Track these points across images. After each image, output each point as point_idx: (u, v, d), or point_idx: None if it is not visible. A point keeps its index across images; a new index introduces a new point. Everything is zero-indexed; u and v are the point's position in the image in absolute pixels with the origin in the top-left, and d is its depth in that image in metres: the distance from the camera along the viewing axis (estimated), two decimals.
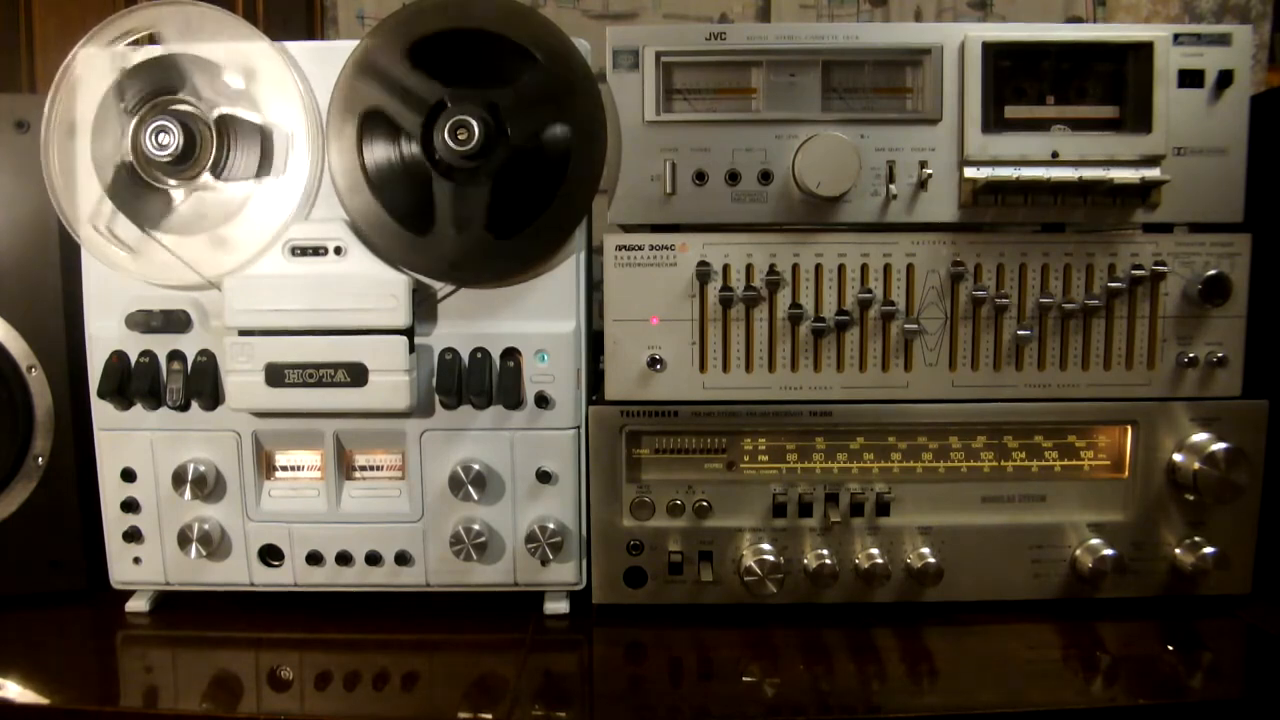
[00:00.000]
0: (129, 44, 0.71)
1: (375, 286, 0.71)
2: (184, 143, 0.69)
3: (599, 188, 0.73)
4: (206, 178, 0.71)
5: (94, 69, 0.71)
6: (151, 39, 0.72)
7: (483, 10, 0.70)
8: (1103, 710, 0.62)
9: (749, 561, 0.73)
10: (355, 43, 0.70)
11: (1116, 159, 0.73)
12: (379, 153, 0.71)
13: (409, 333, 0.71)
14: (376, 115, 0.70)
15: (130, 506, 0.76)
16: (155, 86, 0.71)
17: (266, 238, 0.71)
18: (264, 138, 0.71)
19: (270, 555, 0.76)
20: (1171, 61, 0.73)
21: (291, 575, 0.76)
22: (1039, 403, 0.76)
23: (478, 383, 0.73)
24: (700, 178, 0.74)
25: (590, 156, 0.71)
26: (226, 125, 0.71)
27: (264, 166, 0.72)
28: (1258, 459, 0.75)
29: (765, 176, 0.74)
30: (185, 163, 0.70)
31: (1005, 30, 0.73)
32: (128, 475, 0.75)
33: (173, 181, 0.71)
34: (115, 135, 0.71)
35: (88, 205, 0.72)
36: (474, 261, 0.71)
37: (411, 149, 0.71)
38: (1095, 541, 0.75)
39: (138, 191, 0.72)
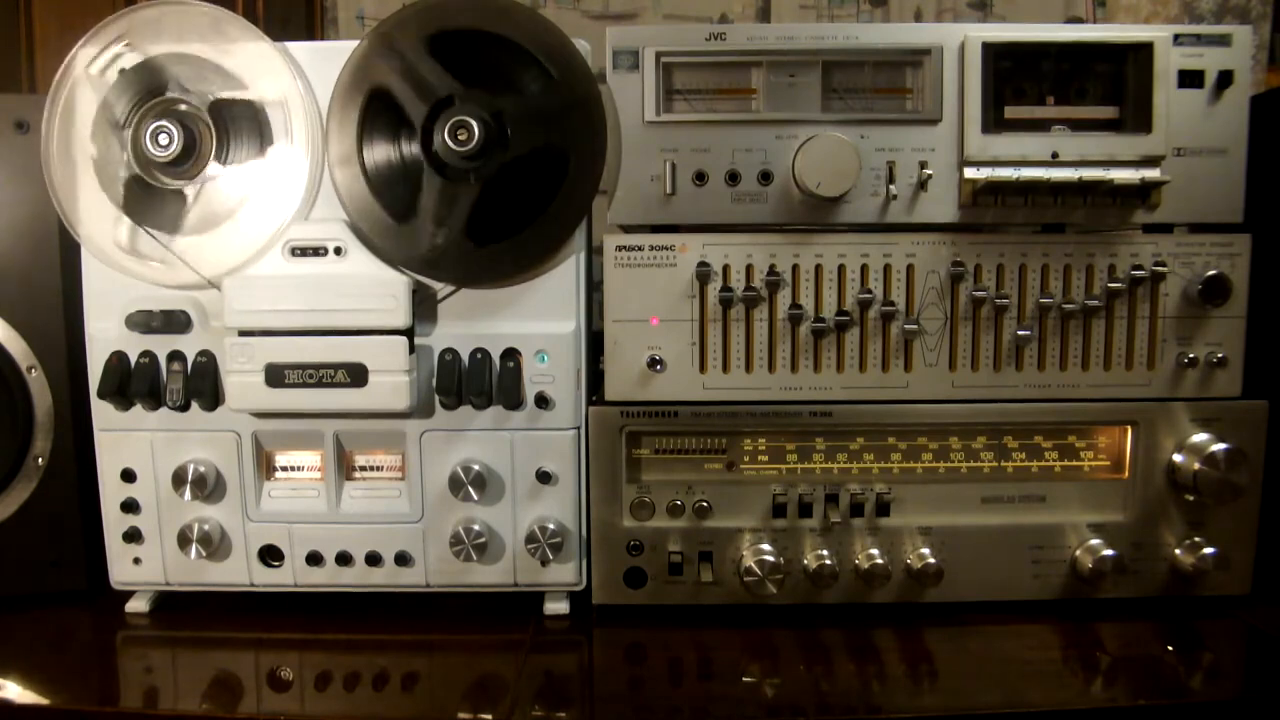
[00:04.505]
0: (124, 45, 0.71)
1: (375, 287, 0.71)
2: (183, 143, 0.69)
3: (599, 188, 0.73)
4: (213, 167, 0.71)
5: (90, 72, 0.71)
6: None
7: (508, 17, 0.70)
8: (1103, 710, 0.62)
9: (749, 562, 0.73)
10: (355, 43, 0.70)
11: (1116, 159, 0.73)
12: (376, 134, 0.71)
13: (409, 333, 0.71)
14: (383, 98, 0.70)
15: (130, 507, 0.76)
16: (145, 89, 0.71)
17: (269, 232, 0.71)
18: (259, 116, 0.71)
19: (270, 556, 0.76)
20: (1171, 62, 0.73)
21: (291, 576, 0.76)
22: (1039, 403, 0.76)
23: (478, 383, 0.73)
24: (700, 178, 0.74)
25: (590, 162, 0.71)
26: (222, 112, 0.71)
27: (266, 140, 0.71)
28: (1258, 459, 0.75)
29: (765, 177, 0.74)
30: (185, 163, 0.70)
31: (1005, 30, 0.73)
32: (128, 476, 0.75)
33: (175, 182, 0.71)
34: (114, 140, 0.71)
35: (100, 219, 0.72)
36: (449, 262, 0.71)
37: (411, 148, 0.71)
38: (1095, 542, 0.75)
39: (139, 194, 0.72)
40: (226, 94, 0.71)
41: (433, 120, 0.69)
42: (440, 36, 0.70)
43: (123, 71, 0.71)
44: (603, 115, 0.71)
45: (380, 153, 0.71)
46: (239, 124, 0.71)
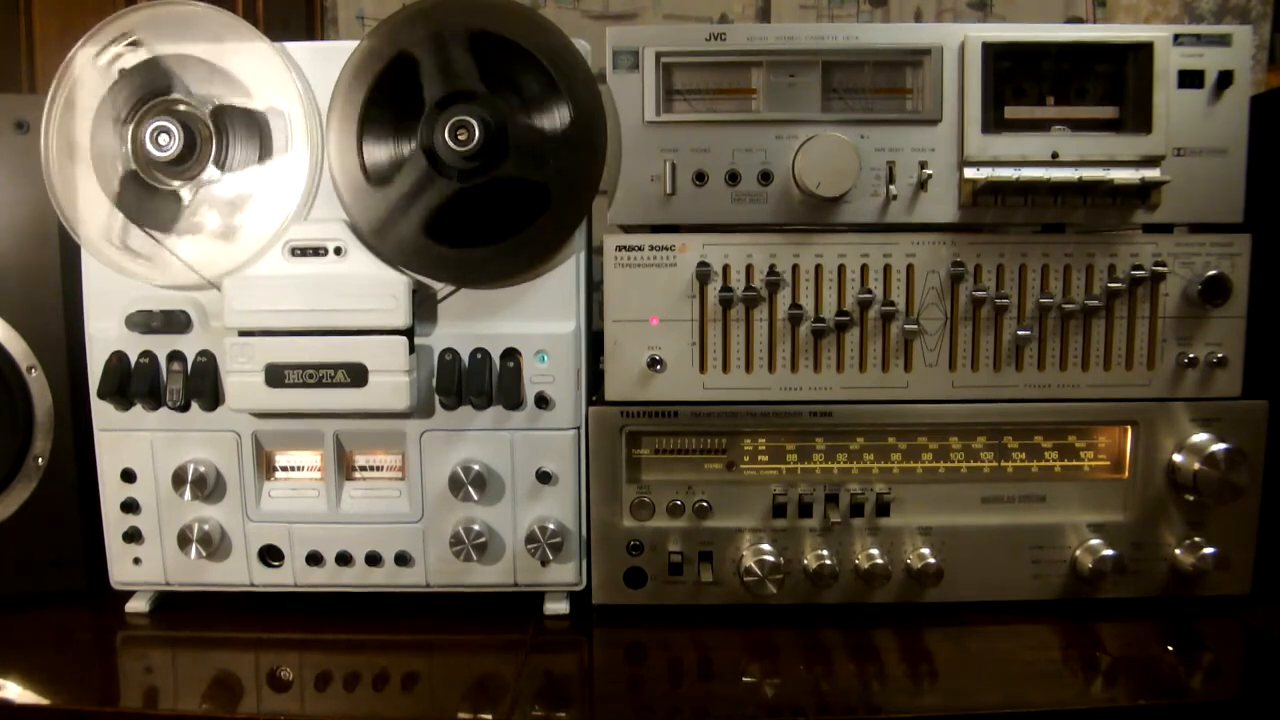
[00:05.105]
0: (127, 44, 0.71)
1: (375, 287, 0.71)
2: (184, 143, 0.69)
3: (599, 188, 0.73)
4: (211, 171, 0.71)
5: (92, 70, 0.71)
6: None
7: (541, 35, 0.70)
8: (1103, 710, 0.62)
9: (749, 562, 0.73)
10: (355, 43, 0.70)
11: (1116, 159, 0.73)
12: (381, 112, 0.71)
13: (409, 333, 0.71)
14: (407, 61, 0.69)
15: (130, 507, 0.76)
16: (148, 89, 0.71)
17: (272, 227, 0.71)
18: (260, 124, 0.71)
19: (270, 556, 0.76)
20: (1171, 62, 0.73)
21: (291, 576, 0.76)
22: (1039, 403, 0.76)
23: (478, 383, 0.73)
24: (700, 178, 0.74)
25: (591, 159, 0.71)
26: (224, 117, 0.71)
27: (265, 150, 0.72)
28: (1258, 459, 0.75)
29: (765, 177, 0.74)
30: (185, 163, 0.70)
31: (1005, 30, 0.73)
32: (128, 476, 0.75)
33: (174, 182, 0.71)
34: (114, 138, 0.71)
35: (93, 214, 0.72)
36: (420, 260, 0.71)
37: (411, 146, 0.71)
38: (1095, 542, 0.75)
39: (140, 194, 0.71)
40: (231, 100, 0.71)
41: (444, 106, 0.69)
42: (480, 36, 0.69)
43: (123, 72, 0.71)
44: (601, 110, 0.71)
45: (381, 130, 0.71)
46: (240, 130, 0.72)
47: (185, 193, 0.72)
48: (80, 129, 0.71)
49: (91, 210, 0.72)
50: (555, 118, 0.71)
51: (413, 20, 0.70)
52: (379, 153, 0.71)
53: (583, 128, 0.70)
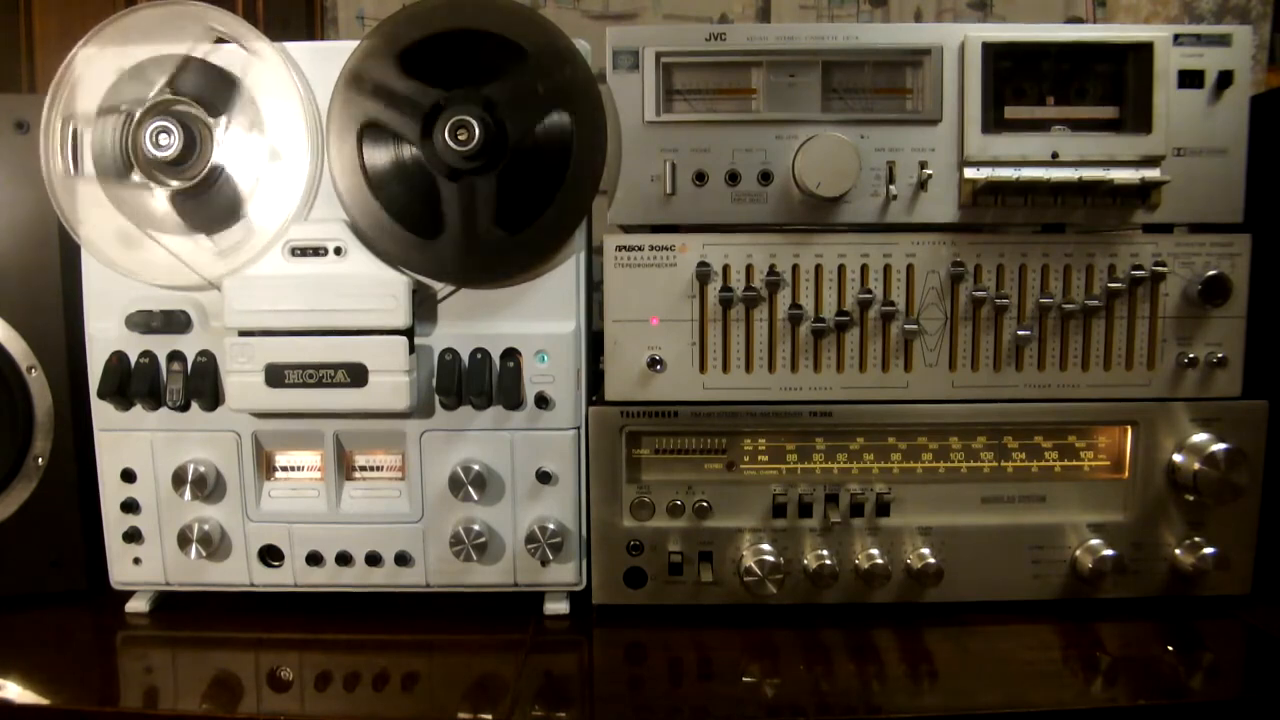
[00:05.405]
0: (70, 130, 0.71)
1: (375, 287, 0.71)
2: (184, 141, 0.69)
3: (599, 188, 0.73)
4: (222, 126, 0.71)
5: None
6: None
7: (467, 10, 0.70)
8: (1103, 710, 0.62)
9: (749, 562, 0.73)
10: (355, 43, 0.70)
11: (1116, 159, 0.73)
12: (381, 160, 0.71)
13: (409, 333, 0.71)
14: (374, 126, 0.70)
15: (130, 507, 0.76)
16: (119, 132, 0.71)
17: (296, 126, 0.72)
18: (207, 66, 0.71)
19: (270, 556, 0.76)
20: (1171, 62, 0.73)
21: (291, 576, 0.76)
22: (1039, 403, 0.76)
23: (478, 383, 0.73)
24: (700, 178, 0.74)
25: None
26: (182, 83, 0.71)
27: (228, 80, 0.71)
28: (1258, 459, 0.75)
29: (765, 177, 0.74)
30: (186, 162, 0.70)
31: (1005, 30, 0.73)
32: (128, 476, 0.75)
33: (175, 182, 0.71)
34: (138, 194, 0.72)
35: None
36: (488, 260, 0.71)
37: (413, 153, 0.71)
38: (1095, 542, 0.75)
39: (197, 205, 0.72)
40: (170, 69, 0.71)
41: (429, 132, 0.69)
42: (409, 51, 0.70)
43: (93, 143, 0.71)
44: (587, 69, 0.71)
45: (389, 177, 0.71)
46: (203, 80, 0.71)
47: (219, 160, 0.71)
48: (114, 224, 0.72)
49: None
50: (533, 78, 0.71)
51: (352, 85, 0.70)
52: (413, 209, 0.71)
53: (548, 52, 0.70)
